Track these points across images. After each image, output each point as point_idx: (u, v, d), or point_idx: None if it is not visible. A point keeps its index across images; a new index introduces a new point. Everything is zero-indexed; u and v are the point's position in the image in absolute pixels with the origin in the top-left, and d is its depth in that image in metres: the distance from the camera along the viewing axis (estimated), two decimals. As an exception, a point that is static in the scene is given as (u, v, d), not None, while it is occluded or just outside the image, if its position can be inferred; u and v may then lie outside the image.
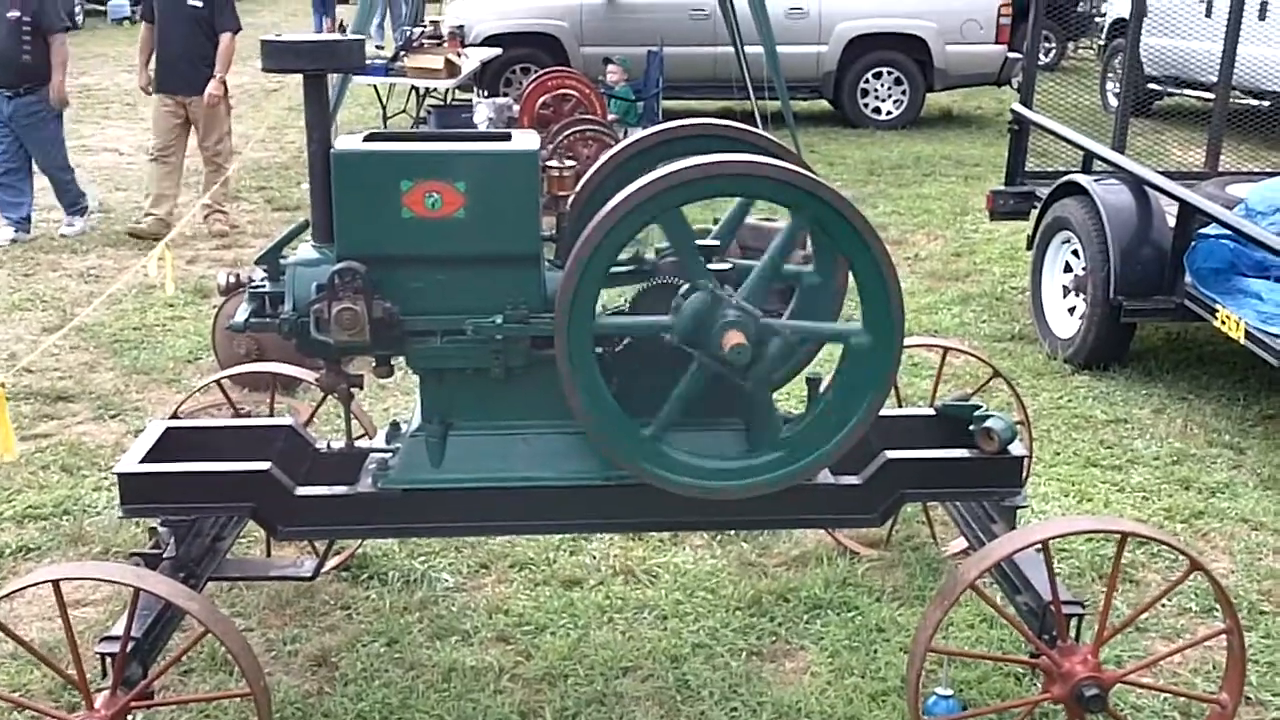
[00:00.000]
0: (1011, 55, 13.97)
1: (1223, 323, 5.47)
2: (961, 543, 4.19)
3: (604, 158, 3.53)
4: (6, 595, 2.95)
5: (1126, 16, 7.67)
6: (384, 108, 12.87)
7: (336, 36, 3.13)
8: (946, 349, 4.56)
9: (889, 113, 14.24)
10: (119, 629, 2.98)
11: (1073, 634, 3.12)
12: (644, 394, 3.11)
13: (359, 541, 4.24)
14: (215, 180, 9.13)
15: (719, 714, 3.54)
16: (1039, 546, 3.09)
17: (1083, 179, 6.36)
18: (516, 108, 10.11)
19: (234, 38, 8.97)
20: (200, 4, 8.77)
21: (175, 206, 9.12)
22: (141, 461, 3.31)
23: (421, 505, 3.25)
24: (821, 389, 3.36)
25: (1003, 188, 7.44)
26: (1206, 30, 9.47)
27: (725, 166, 2.90)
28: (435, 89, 12.13)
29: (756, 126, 3.57)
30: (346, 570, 4.25)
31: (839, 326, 3.34)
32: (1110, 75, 13.62)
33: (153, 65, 9.07)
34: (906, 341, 3.21)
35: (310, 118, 3.13)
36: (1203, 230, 5.80)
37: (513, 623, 3.98)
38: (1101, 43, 15.21)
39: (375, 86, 12.68)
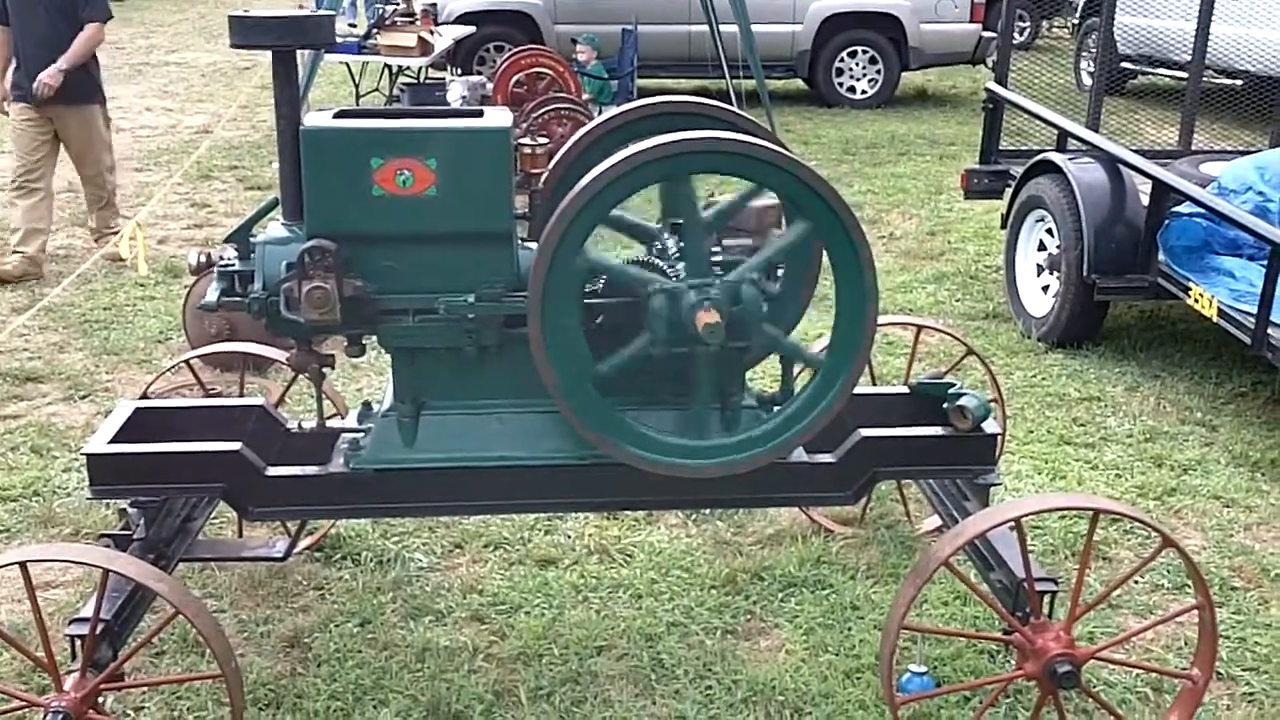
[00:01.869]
0: (986, 34, 13.98)
1: (1196, 301, 5.50)
2: (935, 520, 4.21)
3: (577, 135, 3.50)
4: (-26, 577, 2.93)
5: (1100, -5, 7.68)
6: (356, 86, 12.78)
7: (306, 12, 3.10)
8: (921, 327, 4.56)
9: (864, 92, 14.24)
10: (88, 611, 2.95)
11: (1046, 611, 3.14)
12: (618, 372, 3.09)
13: (331, 522, 4.22)
14: (98, 204, 7.86)
15: (693, 692, 3.54)
16: (1012, 524, 3.09)
17: (1057, 157, 6.37)
18: (490, 86, 10.04)
19: (102, 27, 7.52)
20: None
21: (48, 241, 7.61)
22: (111, 442, 3.28)
23: (394, 485, 3.23)
24: (796, 369, 3.36)
25: (977, 166, 7.44)
26: (1180, 9, 9.48)
27: (700, 143, 2.88)
28: (408, 67, 12.05)
29: (731, 105, 3.54)
30: (319, 551, 4.23)
31: (805, 351, 3.30)
32: (1084, 54, 13.64)
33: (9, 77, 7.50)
34: (881, 320, 3.20)
35: (279, 94, 3.09)
36: (1176, 208, 5.83)
37: (487, 602, 3.97)
38: (1076, 21, 15.23)
39: (347, 65, 12.59)
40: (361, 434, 3.29)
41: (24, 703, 2.98)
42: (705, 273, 2.99)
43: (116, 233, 7.80)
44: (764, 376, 5.02)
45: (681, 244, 3.16)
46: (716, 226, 3.27)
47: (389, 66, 12.26)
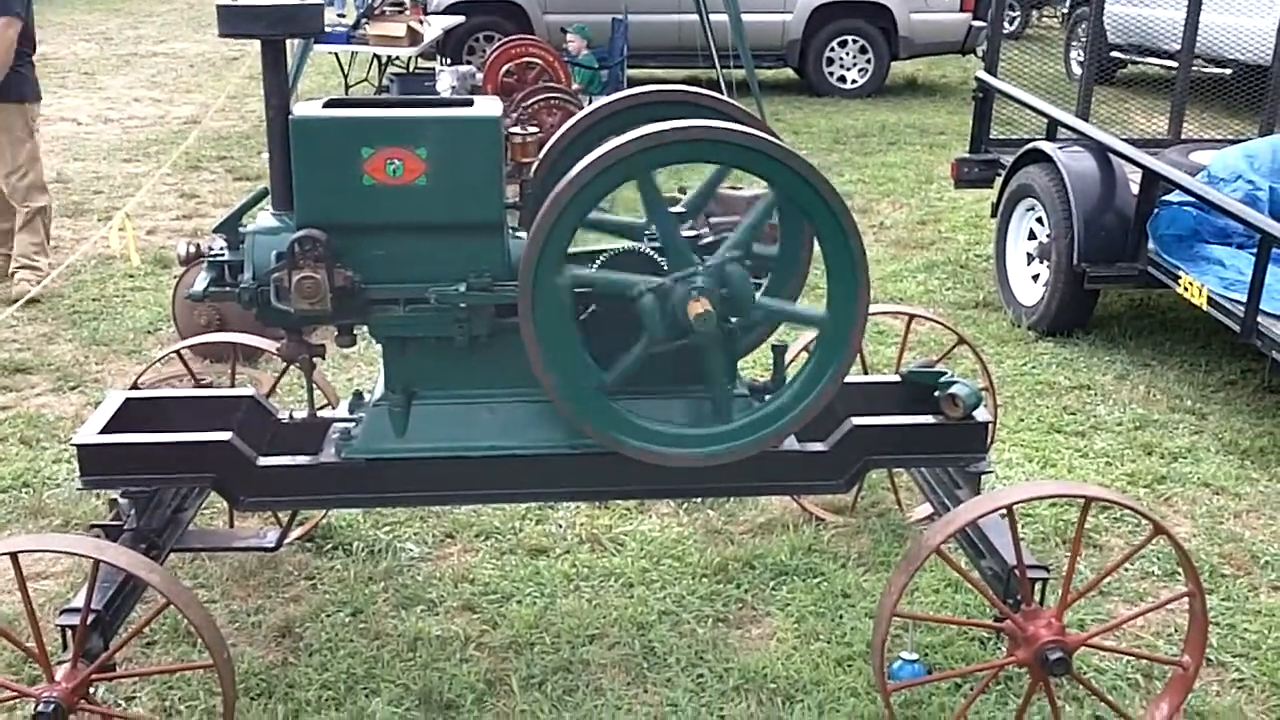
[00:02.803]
0: (976, 23, 13.99)
1: (1185, 289, 5.50)
2: (926, 508, 4.21)
3: (568, 124, 3.50)
4: (-36, 568, 2.92)
5: (1090, -16, 7.67)
6: (345, 76, 12.75)
7: (295, 2, 3.08)
8: (911, 316, 4.56)
9: (854, 81, 14.23)
10: (79, 601, 2.94)
11: (1037, 598, 3.14)
12: (610, 361, 3.09)
13: (323, 512, 4.22)
14: (19, 221, 6.90)
15: (685, 680, 3.54)
16: (1003, 512, 3.10)
17: (1047, 146, 6.37)
18: (480, 76, 10.02)
19: (9, 23, 6.46)
20: None
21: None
22: (101, 432, 3.28)
23: (385, 475, 3.22)
24: (787, 357, 3.36)
25: (967, 155, 7.44)
26: (1169, -2, 9.50)
27: (691, 132, 2.88)
28: (397, 57, 12.02)
29: (722, 95, 3.54)
30: (310, 540, 4.23)
31: (803, 310, 3.33)
32: (1074, 43, 13.66)
33: None
34: (872, 309, 3.20)
35: (268, 84, 3.09)
36: (1166, 197, 5.83)
37: (478, 592, 3.97)
38: (1065, 10, 15.24)
39: (336, 55, 12.55)
40: (353, 424, 3.28)
41: (15, 693, 2.97)
42: (687, 263, 2.99)
43: (37, 266, 6.89)
44: (755, 366, 5.03)
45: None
46: (695, 212, 3.28)
47: (378, 56, 12.22)
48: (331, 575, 4.06)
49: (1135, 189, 5.97)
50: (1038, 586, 3.16)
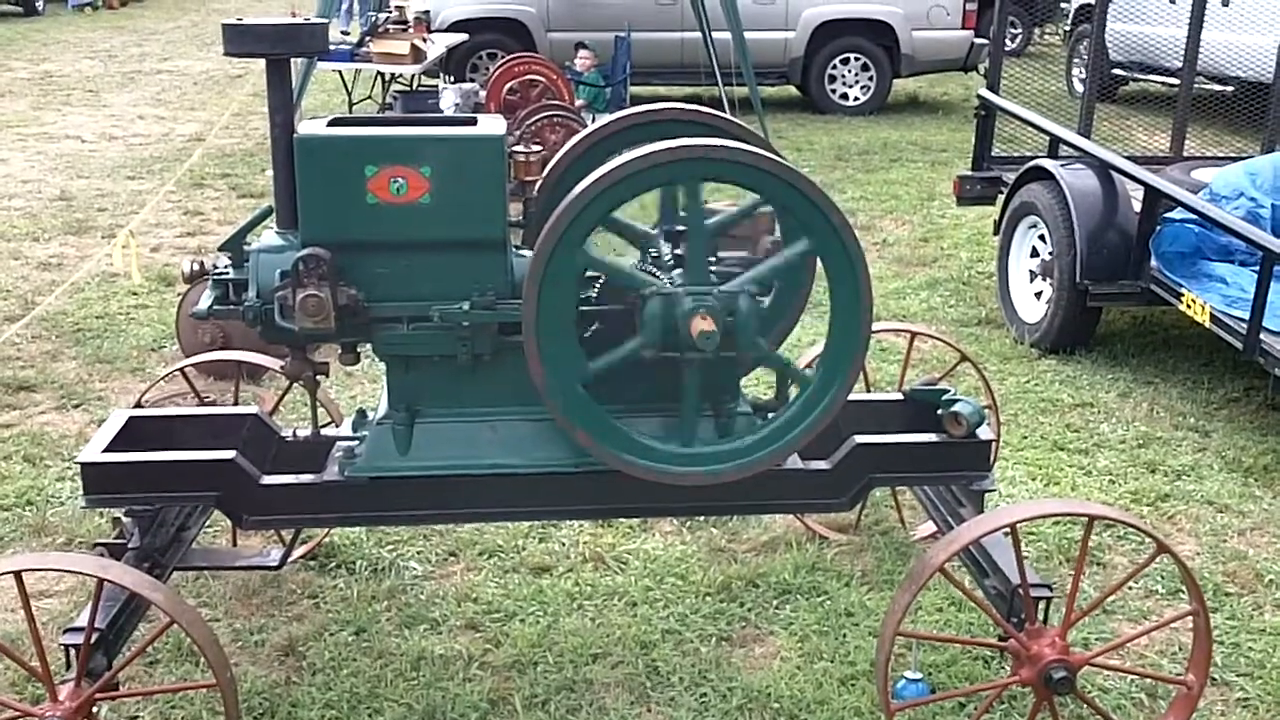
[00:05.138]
0: (978, 41, 14.03)
1: (1188, 307, 5.51)
2: (930, 527, 4.21)
3: (571, 142, 3.51)
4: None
5: (1092, 2, 7.69)
6: (349, 94, 12.77)
7: (299, 20, 3.10)
8: (914, 334, 4.57)
9: (856, 99, 14.26)
10: (83, 620, 2.95)
11: (1041, 617, 3.14)
12: (613, 379, 3.09)
13: (326, 530, 4.22)
14: None
15: (689, 700, 3.54)
16: (1007, 530, 3.10)
17: (1049, 164, 6.38)
18: (483, 94, 10.04)
19: None
20: None
21: None
22: (105, 451, 3.28)
23: (388, 493, 3.22)
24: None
25: (969, 173, 7.45)
26: (1171, 16, 9.52)
27: (694, 150, 2.88)
28: (401, 75, 12.04)
29: (724, 112, 3.55)
30: (313, 559, 4.23)
31: (794, 368, 3.33)
32: (1076, 61, 13.67)
33: None
34: (874, 326, 3.20)
35: (273, 102, 3.10)
36: (1168, 215, 5.84)
37: (482, 610, 3.97)
38: (1067, 28, 15.28)
39: (340, 72, 12.57)
40: (356, 442, 3.28)
41: (18, 712, 2.96)
42: (703, 280, 3.00)
43: None
44: (759, 383, 5.03)
45: (678, 250, 3.16)
46: (715, 236, 3.27)
47: (381, 74, 12.25)
48: (334, 594, 4.05)
49: (1137, 206, 5.98)
50: (1041, 605, 3.16)
